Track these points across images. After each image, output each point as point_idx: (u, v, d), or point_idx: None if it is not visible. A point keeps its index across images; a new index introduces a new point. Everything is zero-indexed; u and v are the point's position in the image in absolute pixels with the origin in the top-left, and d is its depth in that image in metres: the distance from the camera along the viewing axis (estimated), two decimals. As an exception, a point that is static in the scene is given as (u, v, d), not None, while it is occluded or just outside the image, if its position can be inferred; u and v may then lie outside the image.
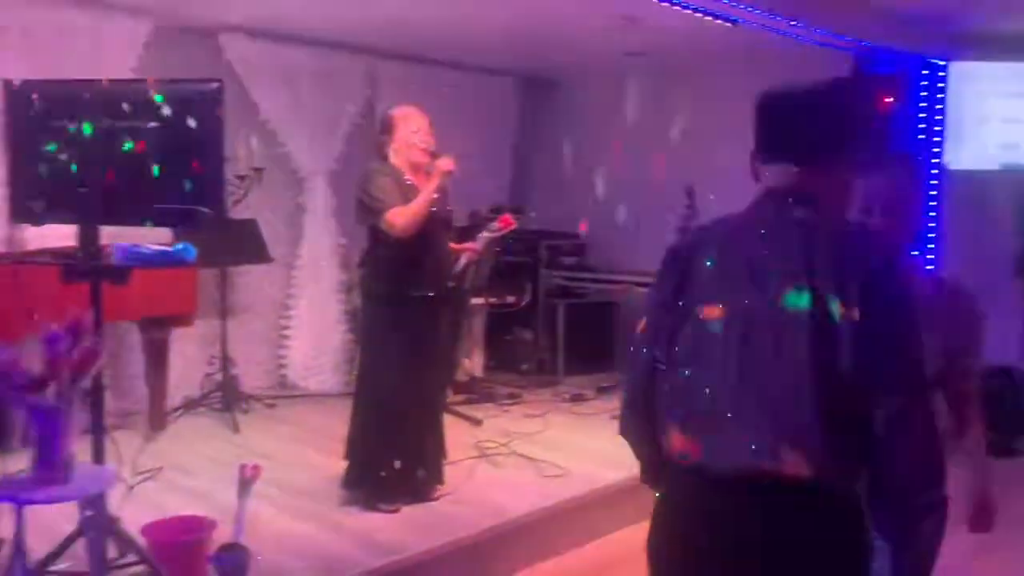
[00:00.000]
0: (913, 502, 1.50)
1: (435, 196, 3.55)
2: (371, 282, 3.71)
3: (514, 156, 7.16)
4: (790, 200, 1.62)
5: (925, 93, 5.39)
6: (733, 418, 1.53)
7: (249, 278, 5.79)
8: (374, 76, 6.11)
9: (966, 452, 2.08)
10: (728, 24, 4.35)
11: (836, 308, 1.48)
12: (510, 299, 6.02)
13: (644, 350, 1.71)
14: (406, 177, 3.64)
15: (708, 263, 1.63)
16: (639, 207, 6.49)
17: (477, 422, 5.01)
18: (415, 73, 6.23)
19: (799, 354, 1.49)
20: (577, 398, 5.69)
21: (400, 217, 3.48)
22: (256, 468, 3.05)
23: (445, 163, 3.55)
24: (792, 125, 1.68)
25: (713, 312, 1.59)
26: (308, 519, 3.59)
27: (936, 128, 5.36)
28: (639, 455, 1.80)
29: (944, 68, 5.34)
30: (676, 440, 1.61)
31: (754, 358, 1.53)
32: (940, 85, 5.37)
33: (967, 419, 2.07)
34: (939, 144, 5.35)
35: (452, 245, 3.88)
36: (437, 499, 3.78)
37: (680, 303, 1.64)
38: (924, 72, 5.39)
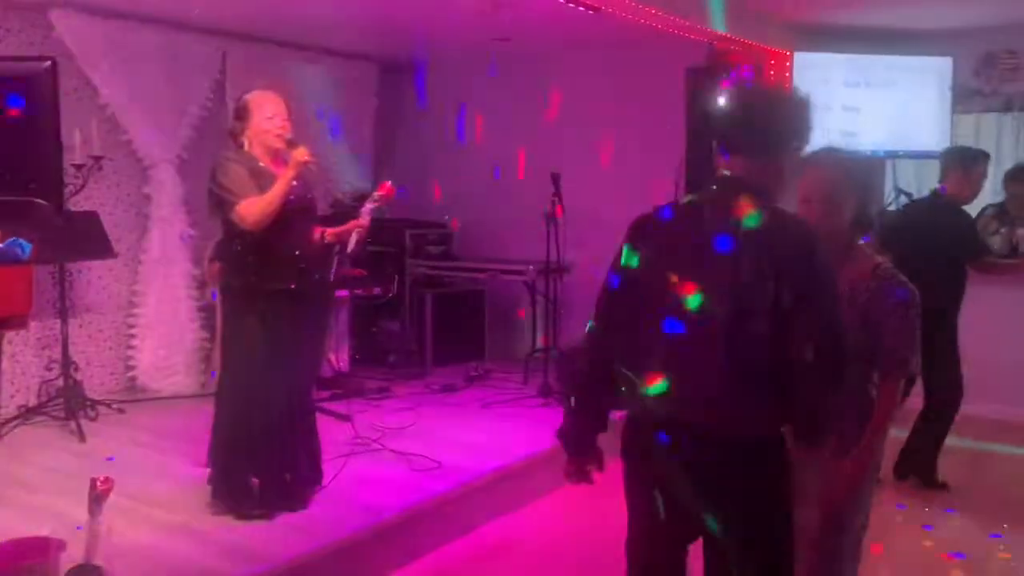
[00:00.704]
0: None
1: (290, 187, 3.38)
2: (228, 276, 3.49)
3: (375, 143, 6.98)
4: (742, 187, 1.89)
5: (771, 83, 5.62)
6: (684, 376, 1.85)
7: (91, 275, 5.39)
8: (225, 59, 5.80)
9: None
10: (590, 12, 4.37)
11: (777, 285, 1.78)
12: (377, 290, 5.87)
13: (601, 318, 2.01)
14: (261, 165, 3.44)
15: (663, 239, 1.94)
16: (503, 194, 6.48)
17: (346, 418, 4.84)
18: (269, 56, 5.96)
19: (746, 325, 1.80)
20: (448, 388, 5.62)
21: (251, 209, 3.30)
22: (108, 480, 2.81)
23: (300, 154, 3.38)
24: (749, 123, 1.93)
25: (673, 281, 1.86)
26: (169, 531, 3.36)
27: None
28: (581, 391, 2.09)
29: (789, 58, 5.59)
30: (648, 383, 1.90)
31: (709, 326, 1.82)
32: (786, 75, 5.62)
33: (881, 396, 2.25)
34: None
35: (333, 230, 3.68)
36: (308, 505, 3.61)
37: (643, 273, 1.92)
38: (771, 61, 5.62)
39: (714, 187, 1.96)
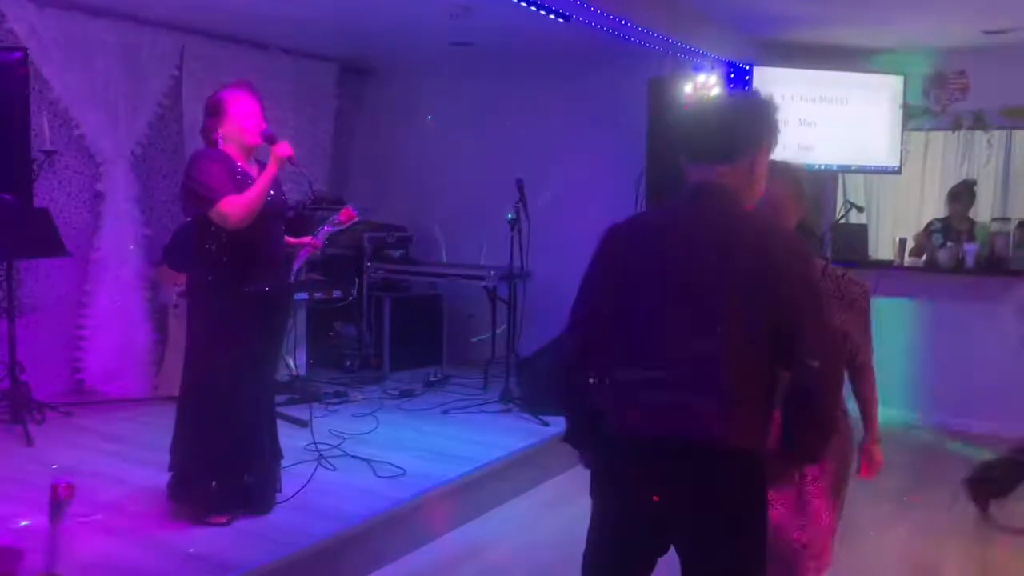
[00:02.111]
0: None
1: (272, 183, 3.32)
2: (201, 276, 3.40)
3: (334, 145, 6.90)
4: (713, 194, 1.89)
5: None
6: (666, 385, 1.81)
7: (39, 273, 5.21)
8: (182, 55, 5.67)
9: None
10: (560, 20, 4.39)
11: (756, 288, 1.77)
12: (336, 293, 5.79)
13: (580, 325, 1.95)
14: (237, 164, 3.37)
15: (645, 247, 1.91)
16: (464, 199, 6.47)
17: (303, 423, 4.77)
18: (228, 54, 5.86)
19: (723, 328, 1.78)
20: (406, 394, 5.58)
21: (233, 207, 3.22)
22: (70, 487, 2.70)
23: (283, 148, 3.32)
24: (712, 129, 1.93)
25: (650, 290, 1.86)
26: (127, 539, 3.26)
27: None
28: (571, 415, 2.03)
29: (749, 72, 5.70)
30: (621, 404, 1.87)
31: (685, 333, 1.80)
32: (746, 88, 5.73)
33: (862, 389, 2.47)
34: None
35: (288, 239, 3.64)
36: (272, 509, 3.54)
37: (618, 282, 1.90)
38: (731, 75, 5.72)
39: (689, 197, 1.93)
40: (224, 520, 3.38)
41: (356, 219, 3.76)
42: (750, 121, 1.92)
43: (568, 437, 2.05)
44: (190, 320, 3.47)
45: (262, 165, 3.40)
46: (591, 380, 1.94)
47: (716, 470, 1.79)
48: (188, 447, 3.42)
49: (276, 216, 3.45)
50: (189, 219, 3.50)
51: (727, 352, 1.77)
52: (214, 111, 3.38)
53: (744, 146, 1.90)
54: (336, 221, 3.71)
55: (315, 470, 3.88)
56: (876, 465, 2.54)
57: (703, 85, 5.24)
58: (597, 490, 1.97)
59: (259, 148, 3.43)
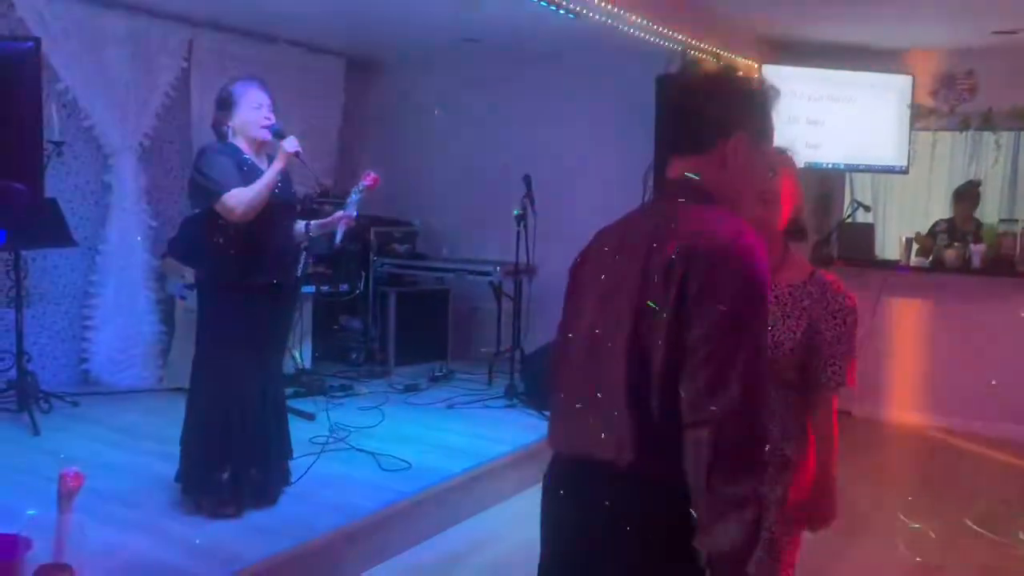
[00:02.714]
0: (720, 492, 1.41)
1: (277, 179, 3.33)
2: (209, 269, 3.42)
3: (341, 139, 6.90)
4: (675, 191, 1.64)
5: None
6: (584, 407, 1.59)
7: (46, 263, 5.23)
8: (191, 47, 5.67)
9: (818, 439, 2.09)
10: (570, 16, 4.39)
11: (657, 290, 1.50)
12: (343, 287, 5.81)
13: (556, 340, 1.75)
14: (246, 157, 3.37)
15: (593, 253, 1.70)
16: (470, 195, 6.47)
17: (310, 416, 4.79)
18: (236, 46, 5.86)
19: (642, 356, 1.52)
20: (411, 388, 5.58)
21: (238, 201, 3.23)
22: (79, 476, 2.72)
23: (291, 144, 3.33)
24: (673, 118, 1.69)
25: (577, 299, 1.68)
26: (135, 530, 3.27)
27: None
28: None
29: (758, 70, 5.69)
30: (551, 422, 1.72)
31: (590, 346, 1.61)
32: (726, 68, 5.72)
33: (821, 408, 2.08)
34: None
35: (318, 221, 3.61)
36: (279, 500, 3.55)
37: (571, 293, 1.71)
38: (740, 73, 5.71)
39: (657, 194, 1.71)
40: (232, 512, 3.39)
41: (379, 183, 3.67)
42: (722, 104, 1.62)
43: None
44: (199, 313, 3.48)
45: (272, 160, 3.41)
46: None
47: (621, 496, 1.51)
48: (198, 438, 3.43)
49: (284, 210, 3.46)
50: (196, 211, 3.51)
51: (627, 371, 1.51)
52: (224, 104, 3.39)
53: (713, 133, 1.61)
54: (362, 187, 3.62)
55: (315, 465, 3.87)
56: (822, 518, 2.10)
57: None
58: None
59: (269, 143, 3.43)
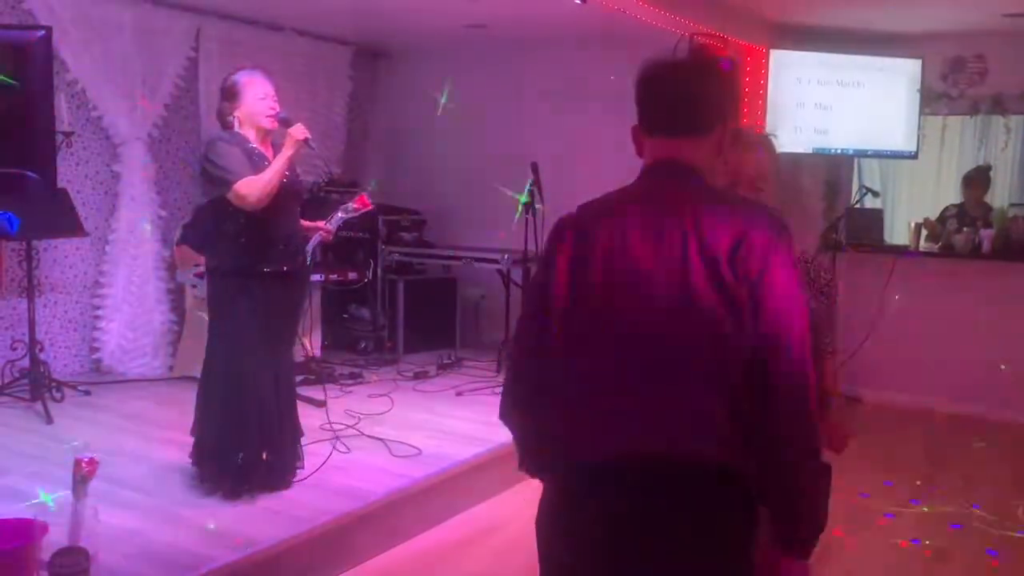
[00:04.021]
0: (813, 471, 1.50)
1: (289, 165, 3.35)
2: (220, 257, 3.45)
3: (347, 128, 6.91)
4: (674, 170, 1.63)
5: (748, 78, 5.70)
6: (627, 403, 1.51)
7: (57, 253, 5.26)
8: (198, 36, 5.68)
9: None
10: (577, 1, 4.38)
11: (723, 274, 1.49)
12: (352, 275, 5.83)
13: (531, 329, 1.66)
14: (253, 147, 3.39)
15: (600, 239, 1.60)
16: (478, 182, 6.47)
17: (320, 403, 4.81)
18: (244, 35, 5.86)
19: (696, 328, 1.50)
20: (420, 376, 5.60)
21: (251, 188, 3.25)
22: (93, 462, 2.76)
23: (299, 131, 3.35)
24: (674, 101, 1.66)
25: (606, 290, 1.56)
26: (148, 515, 3.29)
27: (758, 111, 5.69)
28: (520, 439, 1.70)
29: (765, 55, 5.67)
30: (565, 424, 1.57)
31: (648, 338, 1.52)
32: (763, 71, 5.70)
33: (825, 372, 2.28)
34: (760, 127, 5.67)
35: (304, 222, 3.67)
36: (292, 485, 3.59)
37: (569, 280, 1.61)
38: (748, 58, 5.69)
39: (651, 175, 1.66)
40: (247, 497, 3.43)
41: (370, 208, 3.76)
42: (719, 90, 1.67)
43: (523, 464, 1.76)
44: (210, 300, 3.51)
45: (278, 148, 3.43)
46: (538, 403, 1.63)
47: (686, 490, 1.49)
48: (211, 424, 3.47)
49: (292, 197, 3.49)
50: (208, 200, 3.53)
51: (692, 360, 1.50)
52: (230, 94, 3.41)
53: (713, 118, 1.64)
54: (350, 208, 3.71)
55: (330, 453, 3.89)
56: (841, 439, 2.37)
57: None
58: (544, 554, 1.67)
59: (276, 131, 3.45)
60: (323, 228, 3.70)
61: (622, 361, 1.53)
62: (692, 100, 1.64)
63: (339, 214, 3.73)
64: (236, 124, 3.41)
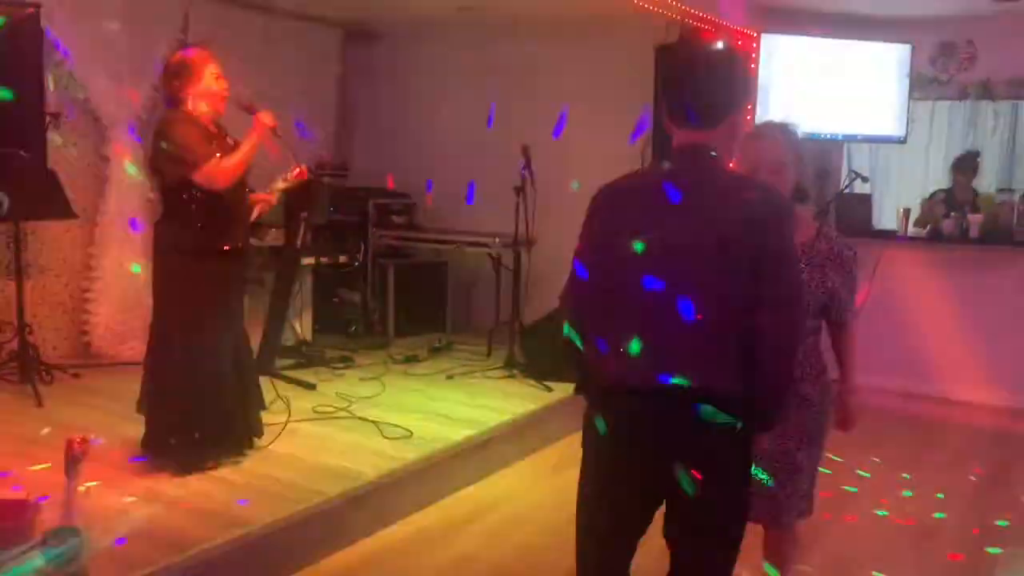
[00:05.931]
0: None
1: (256, 150, 3.40)
2: (177, 235, 3.43)
3: (337, 110, 6.88)
4: (699, 155, 1.89)
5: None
6: (656, 343, 1.82)
7: (45, 235, 5.22)
8: (187, 18, 5.64)
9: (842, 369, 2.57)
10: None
11: (734, 243, 1.78)
12: (343, 259, 5.82)
13: (579, 283, 1.94)
14: (206, 125, 3.41)
15: (634, 208, 1.91)
16: (469, 165, 6.45)
17: (311, 387, 4.82)
18: (232, 17, 5.82)
19: (710, 287, 1.80)
20: (411, 359, 5.61)
21: (220, 171, 3.31)
22: (85, 441, 2.74)
23: (267, 117, 3.37)
24: (698, 92, 1.89)
25: (641, 250, 1.82)
26: (139, 494, 3.30)
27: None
28: (578, 368, 2.01)
29: (756, 39, 5.67)
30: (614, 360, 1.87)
31: (675, 295, 1.78)
32: (753, 55, 5.70)
33: (844, 344, 2.54)
34: (751, 112, 5.68)
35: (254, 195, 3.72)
36: (250, 451, 3.70)
37: (610, 241, 1.88)
38: (739, 42, 5.69)
39: (677, 159, 1.91)
40: (210, 467, 3.51)
41: (306, 177, 3.80)
42: (737, 81, 1.94)
43: (577, 390, 2.08)
44: (160, 278, 3.50)
45: (219, 126, 3.46)
46: (588, 342, 1.94)
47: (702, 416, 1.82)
48: (169, 402, 3.50)
49: (247, 173, 3.54)
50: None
51: (709, 311, 1.79)
52: (181, 72, 3.39)
53: (733, 107, 1.91)
54: (288, 177, 3.76)
55: (318, 432, 3.91)
56: (851, 416, 2.58)
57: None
58: (593, 445, 1.99)
59: (238, 116, 3.48)
60: (264, 198, 3.74)
61: (658, 314, 1.82)
62: (715, 104, 1.88)
63: (279, 183, 3.79)
64: (188, 102, 3.39)
